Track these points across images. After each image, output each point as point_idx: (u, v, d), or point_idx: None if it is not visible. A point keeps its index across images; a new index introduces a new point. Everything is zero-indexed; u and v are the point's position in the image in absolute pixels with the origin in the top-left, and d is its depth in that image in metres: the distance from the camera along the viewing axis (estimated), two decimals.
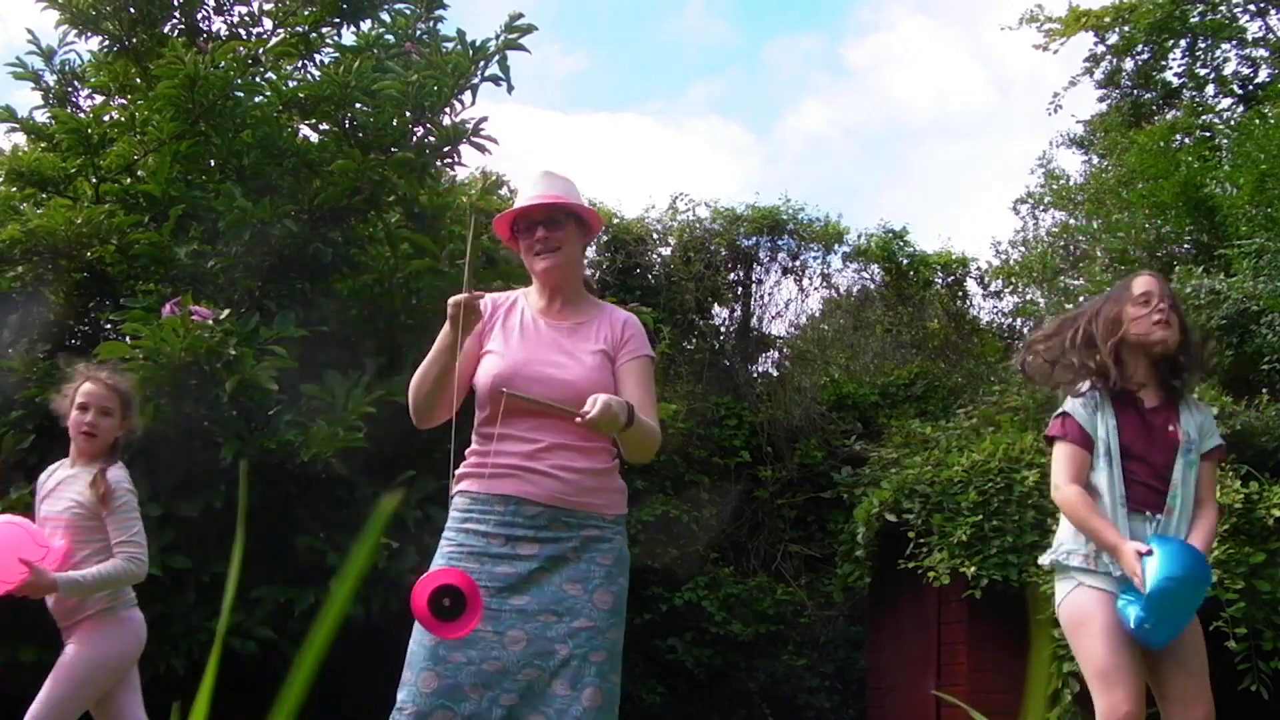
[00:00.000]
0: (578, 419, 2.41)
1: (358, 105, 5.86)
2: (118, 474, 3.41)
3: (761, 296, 11.10)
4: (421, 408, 2.65)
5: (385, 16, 6.29)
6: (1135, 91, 13.21)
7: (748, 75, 23.62)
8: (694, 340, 10.63)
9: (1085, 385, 2.96)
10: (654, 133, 22.67)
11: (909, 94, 22.73)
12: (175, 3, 6.32)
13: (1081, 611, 2.83)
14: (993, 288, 12.53)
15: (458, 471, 2.60)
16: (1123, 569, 2.73)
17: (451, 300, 2.52)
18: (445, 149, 6.07)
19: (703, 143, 22.69)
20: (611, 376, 2.62)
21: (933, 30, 23.34)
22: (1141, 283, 2.99)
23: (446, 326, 2.56)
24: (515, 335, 2.65)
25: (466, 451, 2.62)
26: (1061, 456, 2.91)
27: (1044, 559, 3.03)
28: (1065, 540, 2.92)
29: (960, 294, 11.93)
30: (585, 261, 2.92)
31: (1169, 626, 2.73)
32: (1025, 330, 12.23)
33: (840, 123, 23.27)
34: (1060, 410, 2.98)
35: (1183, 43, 12.94)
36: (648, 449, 2.57)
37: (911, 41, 22.82)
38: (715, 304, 11.02)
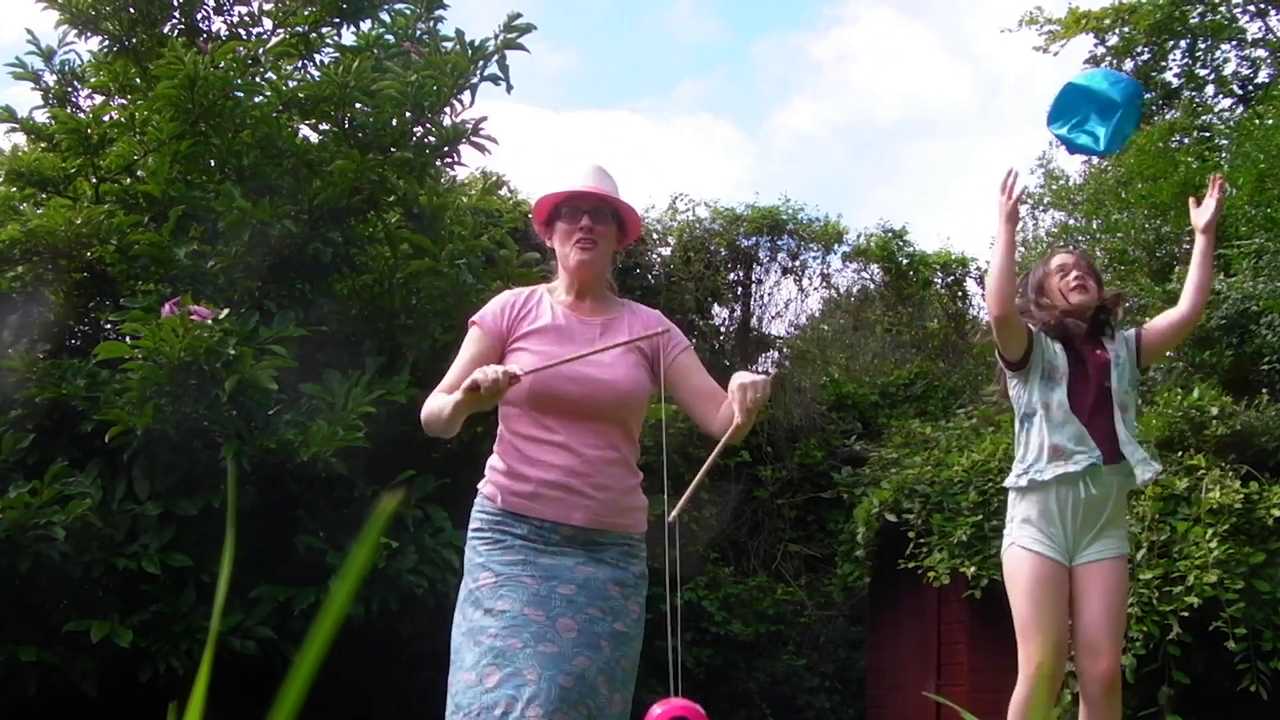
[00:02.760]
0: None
1: (357, 105, 5.86)
2: None
3: (761, 296, 11.11)
4: (433, 433, 2.55)
5: (385, 16, 6.29)
6: None
7: (737, 73, 23.68)
8: (694, 340, 10.61)
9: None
10: (646, 130, 22.70)
11: (897, 93, 22.78)
12: (175, 3, 6.32)
13: (1011, 567, 3.15)
14: None
15: (485, 479, 2.53)
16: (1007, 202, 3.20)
17: (487, 382, 2.31)
18: (445, 149, 6.06)
19: (695, 141, 22.72)
20: (645, 377, 2.58)
21: (919, 30, 23.38)
22: (1058, 258, 3.42)
23: (464, 395, 2.34)
24: (550, 334, 2.58)
25: (495, 461, 2.53)
26: None
27: (1009, 481, 3.30)
28: (1027, 458, 3.19)
29: (960, 294, 11.93)
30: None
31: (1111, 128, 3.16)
32: None
33: (829, 121, 23.33)
34: None
35: (1182, 43, 12.94)
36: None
37: (898, 41, 22.87)
38: (715, 304, 11.03)
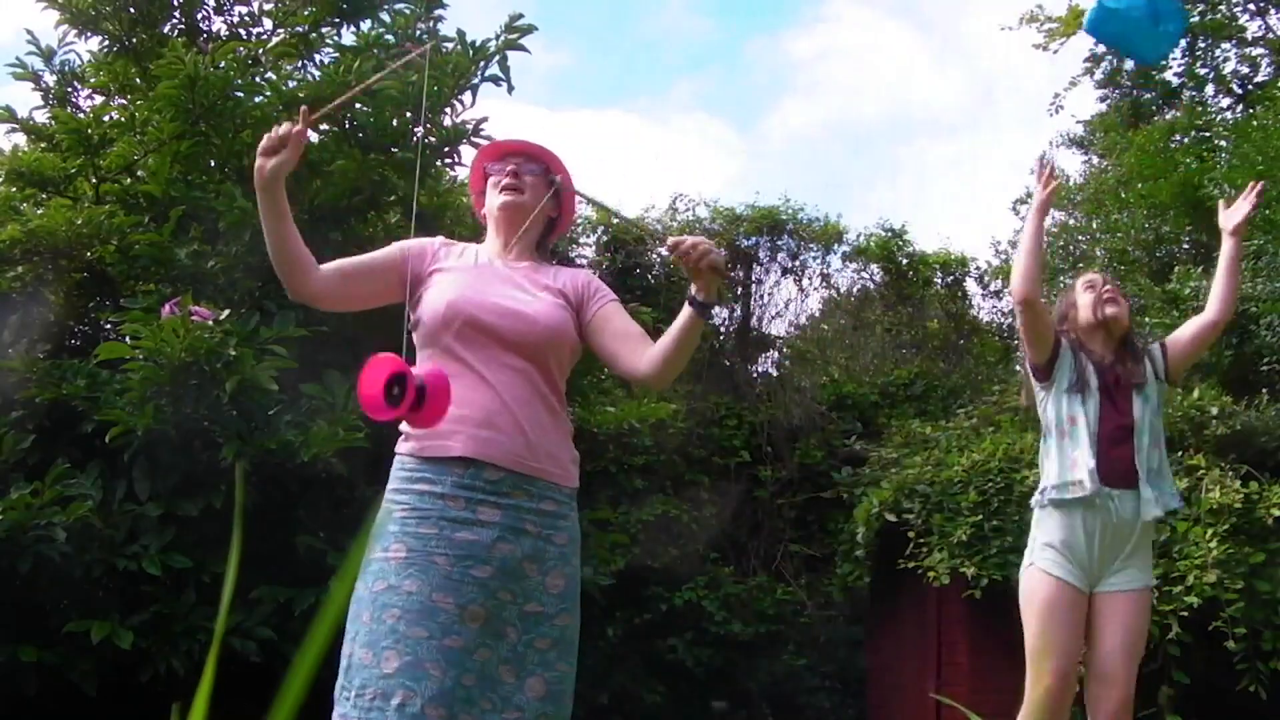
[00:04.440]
0: (669, 245, 2.30)
1: (358, 105, 5.86)
2: None
3: (761, 296, 11.12)
4: (284, 275, 2.54)
5: (385, 16, 6.29)
6: (1135, 92, 13.22)
7: (731, 73, 23.69)
8: None
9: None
10: (641, 130, 22.70)
11: (892, 93, 22.81)
12: (175, 3, 6.32)
13: (1027, 590, 3.11)
14: (992, 287, 12.54)
15: (403, 427, 2.41)
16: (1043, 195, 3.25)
17: (271, 137, 2.36)
18: (445, 149, 6.07)
19: (690, 140, 22.73)
20: (569, 321, 2.49)
21: (910, 30, 23.41)
22: (1085, 277, 3.39)
23: (260, 180, 2.37)
24: (470, 268, 2.54)
25: None
26: None
27: (1033, 501, 3.26)
28: (1049, 476, 3.15)
29: (960, 294, 11.94)
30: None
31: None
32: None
33: (824, 121, 23.35)
34: None
35: (1183, 42, 12.94)
36: (686, 357, 2.44)
37: (888, 41, 22.91)
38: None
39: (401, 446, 2.43)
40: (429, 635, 2.22)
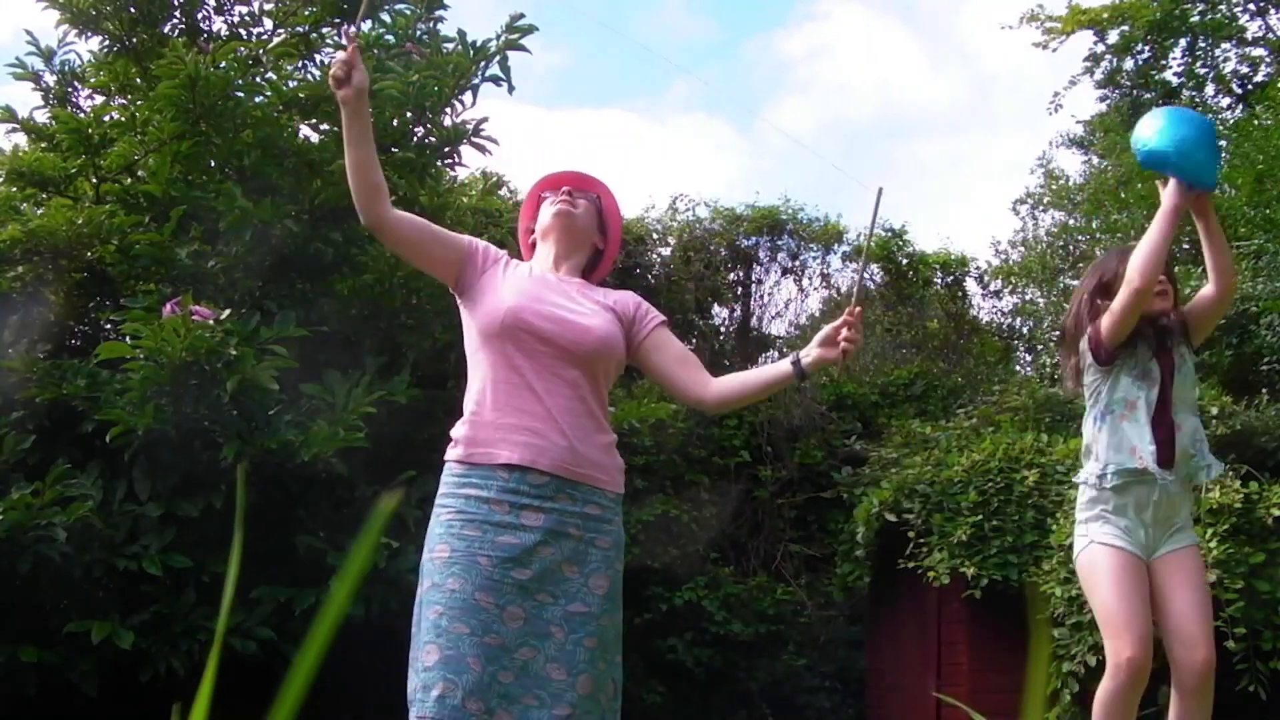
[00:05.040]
0: (854, 313, 2.56)
1: None
2: None
3: (761, 296, 11.12)
4: (359, 199, 2.62)
5: (385, 17, 6.29)
6: (1135, 91, 13.22)
7: (729, 73, 23.70)
8: (694, 340, 10.64)
9: None
10: (639, 129, 22.70)
11: (892, 93, 22.82)
12: (176, 3, 6.32)
13: (1091, 564, 3.08)
14: (992, 287, 12.55)
15: (453, 433, 2.51)
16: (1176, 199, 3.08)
17: (334, 66, 2.49)
18: (446, 149, 6.07)
19: (688, 139, 22.73)
20: (619, 335, 2.57)
21: (906, 30, 23.41)
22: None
23: (344, 112, 2.52)
24: (524, 278, 2.59)
25: (462, 416, 2.52)
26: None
27: (1082, 477, 3.25)
28: (1106, 455, 3.13)
29: (960, 294, 11.94)
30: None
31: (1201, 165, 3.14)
32: (1025, 330, 12.25)
33: (821, 120, 23.35)
34: None
35: (1182, 42, 12.95)
36: (757, 401, 2.66)
37: (884, 39, 22.92)
38: (715, 304, 11.03)
39: (450, 454, 2.51)
40: (470, 631, 2.30)
